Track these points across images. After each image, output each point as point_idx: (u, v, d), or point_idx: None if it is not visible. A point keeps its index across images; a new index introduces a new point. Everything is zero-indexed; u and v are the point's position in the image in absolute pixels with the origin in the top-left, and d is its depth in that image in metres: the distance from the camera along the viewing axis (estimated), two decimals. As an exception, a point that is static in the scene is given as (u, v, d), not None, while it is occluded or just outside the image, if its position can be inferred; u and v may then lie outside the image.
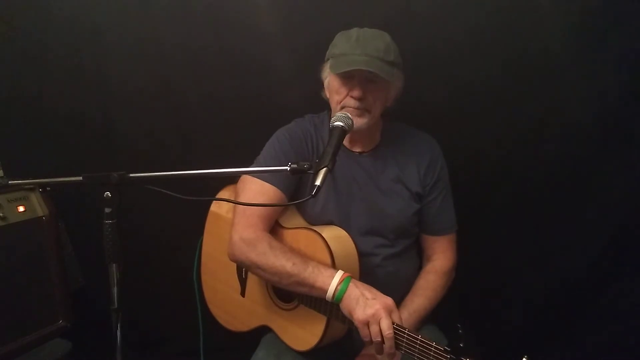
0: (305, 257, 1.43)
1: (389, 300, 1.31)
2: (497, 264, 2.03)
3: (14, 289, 1.77)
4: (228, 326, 1.76)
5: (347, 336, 1.57)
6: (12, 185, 1.72)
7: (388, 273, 1.59)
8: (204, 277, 1.83)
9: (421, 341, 1.24)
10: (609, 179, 1.90)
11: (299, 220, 1.62)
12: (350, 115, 1.32)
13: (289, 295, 1.55)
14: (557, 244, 1.98)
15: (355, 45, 1.46)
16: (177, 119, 2.18)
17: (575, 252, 1.97)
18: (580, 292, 1.99)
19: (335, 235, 1.51)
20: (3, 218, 1.76)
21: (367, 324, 1.29)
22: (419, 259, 1.72)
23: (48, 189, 1.90)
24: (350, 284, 1.35)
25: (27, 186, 1.84)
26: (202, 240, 1.83)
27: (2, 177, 1.84)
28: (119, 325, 1.20)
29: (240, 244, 1.50)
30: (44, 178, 1.39)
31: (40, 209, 1.87)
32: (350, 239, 1.53)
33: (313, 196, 1.11)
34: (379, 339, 1.28)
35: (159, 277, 2.26)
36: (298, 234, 1.53)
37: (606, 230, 1.93)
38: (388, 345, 1.28)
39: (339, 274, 1.37)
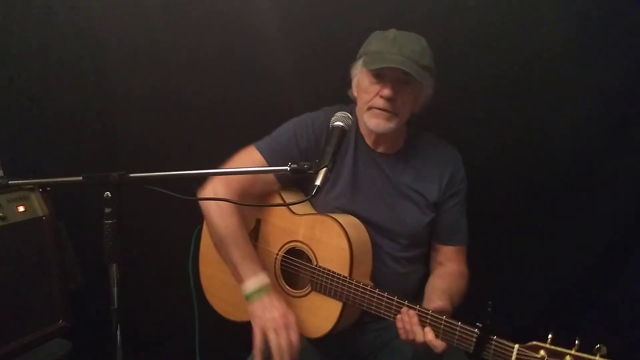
0: (249, 243, 1.53)
1: (291, 316, 1.42)
2: (498, 265, 2.03)
3: (14, 289, 1.77)
4: (228, 316, 1.74)
5: (352, 335, 1.59)
6: (12, 185, 1.72)
7: (394, 273, 1.59)
8: (202, 269, 1.81)
9: (445, 321, 1.26)
10: (609, 179, 1.90)
11: (308, 208, 1.62)
12: (350, 115, 1.32)
13: (298, 282, 1.57)
14: (558, 244, 1.98)
15: (392, 45, 1.45)
16: (176, 119, 2.18)
17: (576, 252, 1.97)
18: (582, 292, 2.00)
19: (350, 222, 1.53)
20: (3, 218, 1.76)
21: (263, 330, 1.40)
22: (426, 268, 1.70)
23: (48, 189, 1.89)
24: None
25: (27, 186, 1.84)
26: (198, 231, 1.81)
27: (2, 177, 1.84)
28: (119, 325, 1.20)
29: (210, 191, 1.55)
30: (44, 178, 1.39)
31: (40, 209, 1.87)
32: (363, 226, 1.55)
33: (313, 196, 1.12)
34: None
35: (158, 277, 2.26)
36: (314, 220, 1.54)
37: (607, 230, 1.93)
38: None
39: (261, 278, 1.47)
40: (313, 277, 1.51)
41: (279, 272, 1.61)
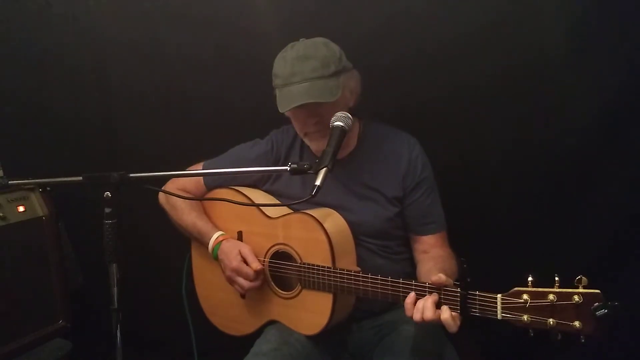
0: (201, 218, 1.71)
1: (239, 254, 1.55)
2: (498, 265, 2.02)
3: (14, 289, 1.77)
4: (234, 333, 1.74)
5: (352, 334, 1.60)
6: (12, 185, 1.72)
7: (373, 266, 1.54)
8: (199, 291, 1.82)
9: (429, 287, 1.24)
10: (608, 179, 1.90)
11: (282, 209, 1.62)
12: (350, 115, 1.32)
13: (290, 283, 1.57)
14: (558, 244, 1.98)
15: (292, 71, 1.43)
16: (177, 119, 2.18)
17: (577, 252, 1.97)
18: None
19: (325, 214, 1.52)
20: (3, 218, 1.77)
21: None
22: (410, 254, 1.66)
23: (48, 189, 1.90)
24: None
25: (27, 186, 1.84)
26: (190, 257, 1.83)
27: (2, 177, 1.84)
28: (119, 325, 1.20)
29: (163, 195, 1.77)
30: (44, 178, 1.40)
31: (40, 209, 1.87)
32: (340, 215, 1.53)
33: (313, 196, 1.12)
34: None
35: (158, 276, 2.26)
36: (289, 219, 1.55)
37: (608, 230, 1.93)
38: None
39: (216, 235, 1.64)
40: (300, 275, 1.51)
41: (269, 277, 1.61)
